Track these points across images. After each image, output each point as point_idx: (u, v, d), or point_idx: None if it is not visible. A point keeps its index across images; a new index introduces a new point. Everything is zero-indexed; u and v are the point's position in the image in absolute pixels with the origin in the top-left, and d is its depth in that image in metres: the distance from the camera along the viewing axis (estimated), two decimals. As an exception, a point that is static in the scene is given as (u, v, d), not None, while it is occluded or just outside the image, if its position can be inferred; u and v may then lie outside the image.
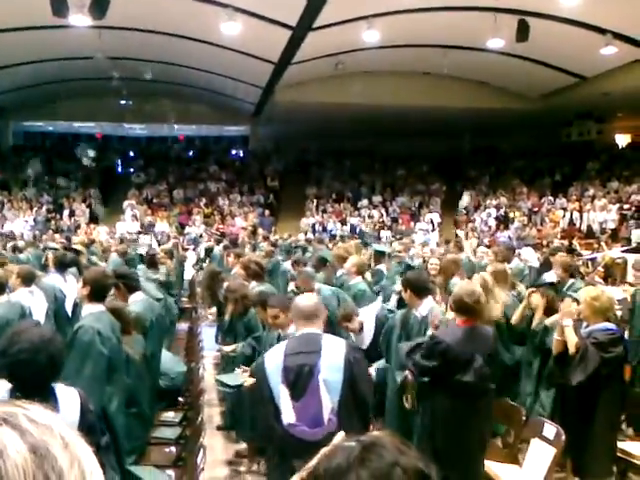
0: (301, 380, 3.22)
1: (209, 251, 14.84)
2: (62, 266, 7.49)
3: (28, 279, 6.21)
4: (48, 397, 2.65)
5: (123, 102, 24.22)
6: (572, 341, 4.57)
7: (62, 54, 18.55)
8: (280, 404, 3.21)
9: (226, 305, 6.16)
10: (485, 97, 21.02)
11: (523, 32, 14.61)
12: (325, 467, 0.96)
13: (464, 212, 22.74)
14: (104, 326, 3.98)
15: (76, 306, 6.50)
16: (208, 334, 7.93)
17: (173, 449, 4.63)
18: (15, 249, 12.00)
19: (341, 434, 1.22)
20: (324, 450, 1.00)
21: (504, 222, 20.82)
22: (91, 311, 4.15)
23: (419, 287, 5.04)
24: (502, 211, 21.52)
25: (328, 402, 3.19)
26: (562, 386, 4.60)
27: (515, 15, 14.71)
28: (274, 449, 3.42)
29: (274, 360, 3.34)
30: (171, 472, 4.30)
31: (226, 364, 6.28)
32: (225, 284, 6.78)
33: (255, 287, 6.60)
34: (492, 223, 21.19)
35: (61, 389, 2.77)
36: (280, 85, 19.64)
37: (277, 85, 19.68)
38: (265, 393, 3.29)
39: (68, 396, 2.74)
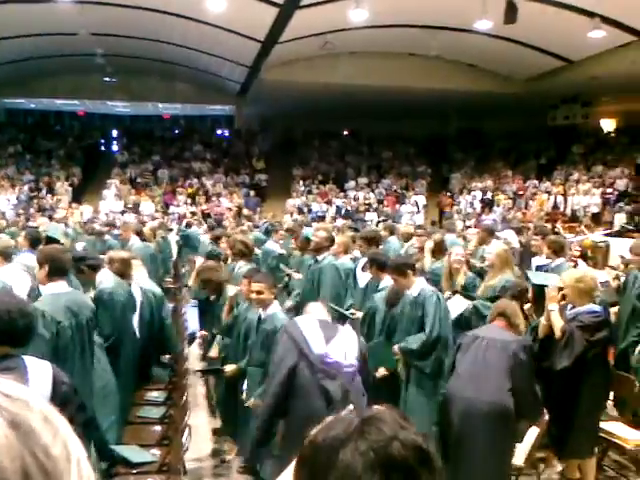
0: (329, 333, 3.81)
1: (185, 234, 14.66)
2: (34, 245, 7.27)
3: (7, 255, 6.10)
4: (18, 367, 2.61)
5: (107, 79, 23.86)
6: (557, 325, 4.60)
7: (45, 29, 18.19)
8: (313, 342, 3.74)
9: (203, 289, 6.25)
10: (472, 79, 20.98)
11: (511, 14, 14.52)
12: (324, 437, 0.96)
13: (449, 194, 22.80)
14: (55, 309, 3.83)
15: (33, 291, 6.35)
16: (192, 314, 7.90)
17: (158, 428, 4.61)
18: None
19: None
20: (324, 421, 1.00)
21: (489, 205, 20.90)
22: (51, 291, 3.92)
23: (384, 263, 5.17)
24: (488, 194, 21.58)
25: (352, 352, 3.76)
26: (547, 369, 4.63)
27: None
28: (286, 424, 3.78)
29: (308, 319, 3.92)
30: (156, 451, 4.28)
31: (209, 345, 6.30)
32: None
33: (242, 266, 6.58)
34: (477, 206, 21.26)
35: (30, 360, 2.71)
36: (267, 64, 19.44)
37: (263, 64, 19.47)
38: (293, 336, 3.77)
39: (38, 368, 2.69)
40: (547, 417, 4.50)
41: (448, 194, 22.82)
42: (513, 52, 18.73)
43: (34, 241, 7.15)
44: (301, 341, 3.77)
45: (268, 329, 4.55)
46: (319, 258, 6.96)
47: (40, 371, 2.69)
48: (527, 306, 5.56)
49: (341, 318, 5.80)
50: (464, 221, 18.26)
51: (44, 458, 0.63)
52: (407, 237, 9.43)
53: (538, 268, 7.28)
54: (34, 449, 0.63)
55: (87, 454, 0.70)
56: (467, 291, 6.06)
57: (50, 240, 7.63)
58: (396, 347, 5.03)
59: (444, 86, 20.51)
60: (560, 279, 4.98)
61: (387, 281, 5.60)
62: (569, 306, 4.81)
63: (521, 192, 21.46)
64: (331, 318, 4.19)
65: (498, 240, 8.38)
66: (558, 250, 6.93)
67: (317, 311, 4.10)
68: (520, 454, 4.36)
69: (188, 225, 15.74)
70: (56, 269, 3.93)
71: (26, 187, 21.47)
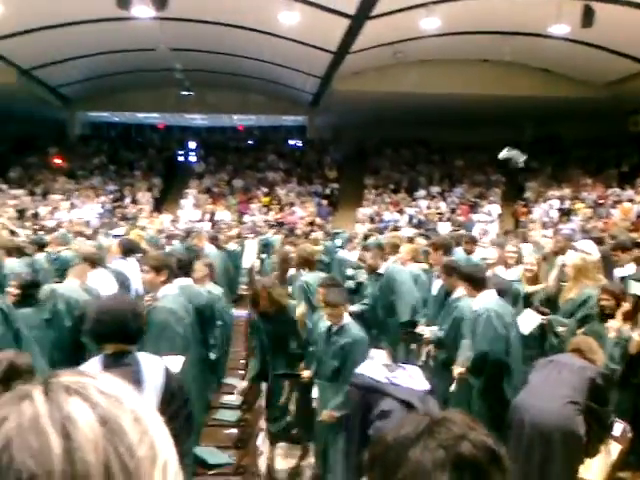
0: (394, 371, 3.83)
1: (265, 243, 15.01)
2: (126, 252, 7.73)
3: (95, 261, 6.48)
4: (133, 363, 2.82)
5: (184, 93, 24.72)
6: None
7: (125, 46, 19.06)
8: (383, 379, 3.74)
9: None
10: (547, 85, 20.46)
11: (588, 17, 14.14)
12: (394, 435, 0.98)
13: (524, 203, 22.26)
14: (179, 307, 4.16)
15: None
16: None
17: (234, 431, 4.76)
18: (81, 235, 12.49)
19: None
20: (395, 422, 1.05)
21: (567, 214, 20.28)
22: (166, 293, 4.34)
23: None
24: (565, 203, 20.95)
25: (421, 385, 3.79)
26: (637, 386, 4.49)
27: (579, 0, 14.26)
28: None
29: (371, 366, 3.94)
30: (231, 453, 4.43)
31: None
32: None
33: (304, 275, 6.65)
34: (554, 215, 20.67)
35: (144, 356, 2.95)
36: (338, 74, 19.64)
37: (335, 74, 19.68)
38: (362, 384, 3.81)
39: (152, 363, 2.91)
40: (630, 435, 4.37)
41: (523, 203, 22.29)
42: (590, 56, 18.17)
43: (126, 249, 7.60)
44: (369, 383, 3.80)
45: (341, 341, 4.55)
46: (388, 265, 6.99)
47: (153, 367, 2.92)
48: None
49: (415, 340, 5.79)
50: (540, 230, 17.79)
51: (127, 458, 0.64)
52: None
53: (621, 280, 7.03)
54: (119, 448, 0.63)
55: (189, 452, 0.74)
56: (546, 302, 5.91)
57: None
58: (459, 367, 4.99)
59: (518, 92, 20.10)
60: None
61: (461, 291, 5.49)
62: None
63: (601, 201, 20.72)
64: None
65: (575, 251, 8.15)
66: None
67: (380, 358, 4.16)
68: (595, 470, 4.26)
69: (276, 232, 16.03)
70: (170, 273, 4.41)
71: (110, 197, 22.50)
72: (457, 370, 4.98)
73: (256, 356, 5.41)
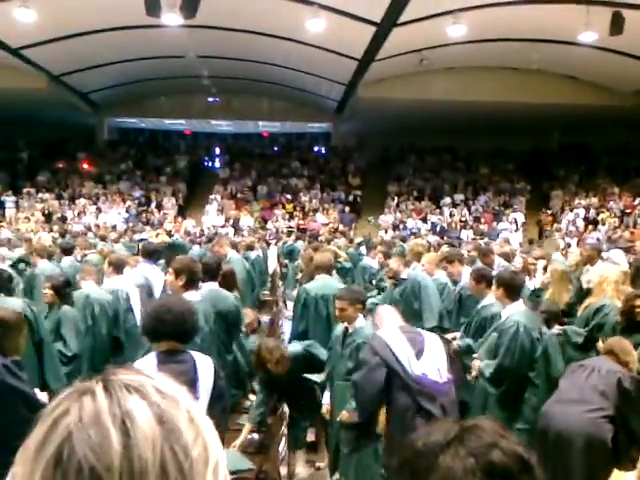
0: (417, 346, 3.80)
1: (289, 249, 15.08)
2: (150, 256, 7.80)
3: (119, 267, 6.57)
4: (188, 360, 2.97)
5: (210, 99, 24.96)
6: None
7: (154, 53, 19.32)
8: (406, 362, 3.72)
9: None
10: (575, 92, 20.26)
11: (617, 25, 13.99)
12: (424, 442, 0.98)
13: (549, 212, 22.04)
14: (199, 315, 4.25)
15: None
16: (289, 327, 8.08)
17: (255, 436, 4.78)
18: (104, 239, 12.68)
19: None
20: (424, 428, 1.03)
21: (593, 223, 20.04)
22: (199, 295, 4.47)
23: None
24: (591, 212, 20.71)
25: (444, 362, 3.79)
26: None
27: (609, 7, 14.12)
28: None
29: (392, 332, 3.88)
30: (252, 458, 4.45)
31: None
32: None
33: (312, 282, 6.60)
34: (580, 224, 20.44)
35: (197, 355, 3.04)
36: (363, 81, 19.67)
37: (360, 82, 19.72)
38: (384, 358, 3.74)
39: (204, 362, 3.00)
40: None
41: (549, 212, 22.08)
42: (619, 64, 17.95)
43: (150, 253, 7.71)
44: (392, 361, 3.75)
45: (357, 341, 4.56)
46: (410, 272, 6.96)
47: (205, 365, 3.06)
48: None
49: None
50: (563, 239, 17.63)
51: (182, 457, 0.65)
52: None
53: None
54: (175, 447, 0.65)
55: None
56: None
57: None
58: (476, 362, 4.93)
59: (545, 100, 19.93)
60: None
61: (490, 298, 5.38)
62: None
63: (628, 210, 20.44)
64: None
65: (604, 261, 8.04)
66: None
67: (391, 316, 4.11)
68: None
69: (298, 238, 16.11)
70: (190, 280, 4.44)
71: (135, 202, 22.78)
72: (477, 366, 4.88)
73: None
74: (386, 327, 4.00)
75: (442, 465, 0.92)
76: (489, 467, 0.91)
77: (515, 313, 4.80)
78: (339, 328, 4.91)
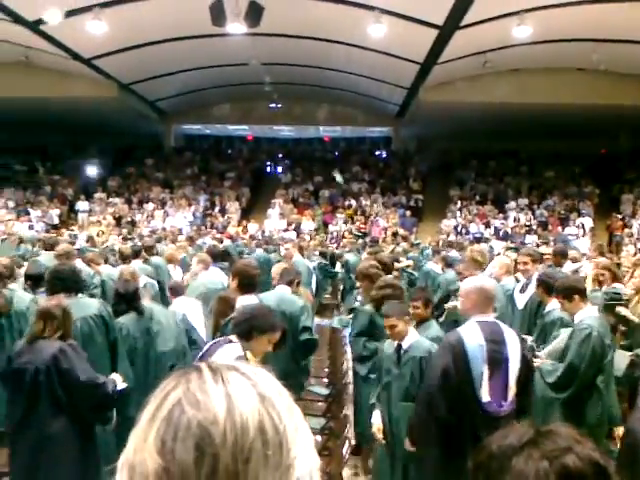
0: (496, 364, 3.66)
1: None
2: (212, 259, 7.88)
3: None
4: None
5: (272, 105, 25.32)
6: None
7: (219, 61, 19.77)
8: (478, 381, 3.62)
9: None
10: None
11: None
12: (498, 444, 1.00)
13: (620, 217, 21.30)
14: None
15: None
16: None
17: (318, 438, 4.85)
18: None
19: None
20: (499, 431, 1.04)
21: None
22: (243, 303, 4.38)
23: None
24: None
25: (513, 385, 3.67)
26: None
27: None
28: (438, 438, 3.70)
29: (476, 341, 3.69)
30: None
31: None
32: None
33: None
34: (652, 229, 19.68)
35: None
36: (425, 85, 19.55)
37: (422, 85, 19.61)
38: (460, 369, 3.64)
39: None
40: None
41: (619, 216, 21.34)
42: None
43: (215, 257, 8.03)
44: (464, 373, 3.64)
45: (417, 356, 4.32)
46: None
47: None
48: None
49: None
50: (635, 244, 17.02)
51: (277, 420, 0.75)
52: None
53: None
54: (271, 413, 0.75)
55: None
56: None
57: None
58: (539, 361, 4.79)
59: (613, 101, 19.29)
60: None
61: (554, 304, 5.24)
62: None
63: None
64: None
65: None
66: None
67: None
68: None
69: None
70: (245, 284, 4.68)
71: (200, 206, 23.34)
72: (540, 361, 4.75)
73: None
74: (469, 328, 3.80)
75: (515, 468, 0.94)
76: (563, 471, 0.91)
77: (589, 317, 4.71)
78: (388, 346, 4.56)
